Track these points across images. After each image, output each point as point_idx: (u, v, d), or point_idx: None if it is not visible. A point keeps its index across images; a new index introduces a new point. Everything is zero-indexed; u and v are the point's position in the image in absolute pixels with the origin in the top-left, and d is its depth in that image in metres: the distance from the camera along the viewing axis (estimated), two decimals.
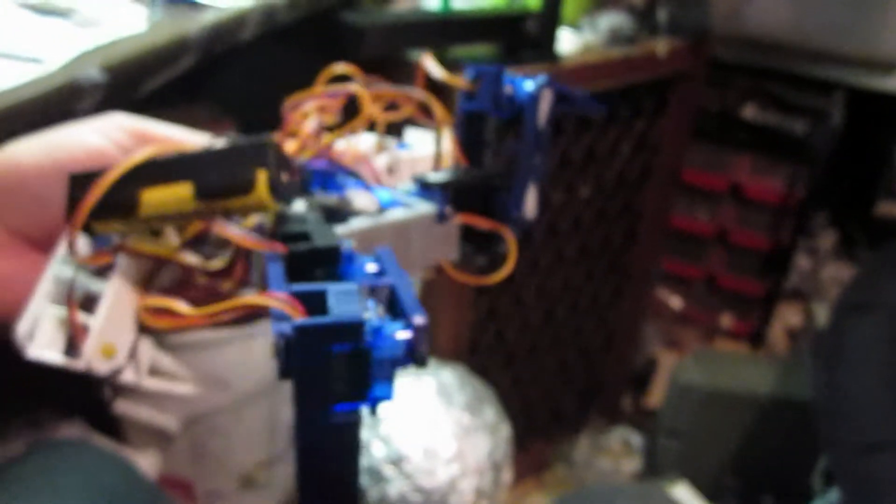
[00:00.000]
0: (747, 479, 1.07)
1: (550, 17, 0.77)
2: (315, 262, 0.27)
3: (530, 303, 1.01)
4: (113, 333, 0.29)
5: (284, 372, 0.22)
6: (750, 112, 1.21)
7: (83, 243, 0.30)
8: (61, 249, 0.30)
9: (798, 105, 1.20)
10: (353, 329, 0.22)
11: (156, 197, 0.27)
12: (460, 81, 0.33)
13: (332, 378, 0.22)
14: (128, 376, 0.30)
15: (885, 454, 0.75)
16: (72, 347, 0.29)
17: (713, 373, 1.05)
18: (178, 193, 0.27)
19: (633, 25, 0.87)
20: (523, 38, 0.76)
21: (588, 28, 0.86)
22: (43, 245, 0.32)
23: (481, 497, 0.77)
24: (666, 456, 1.09)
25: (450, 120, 0.33)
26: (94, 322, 0.28)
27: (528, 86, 0.32)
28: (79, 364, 0.28)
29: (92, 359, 0.28)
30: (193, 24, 0.58)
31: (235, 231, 0.28)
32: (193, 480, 0.88)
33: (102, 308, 0.29)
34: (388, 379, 0.23)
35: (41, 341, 0.28)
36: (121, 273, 0.29)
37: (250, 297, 0.25)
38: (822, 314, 1.31)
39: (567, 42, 0.83)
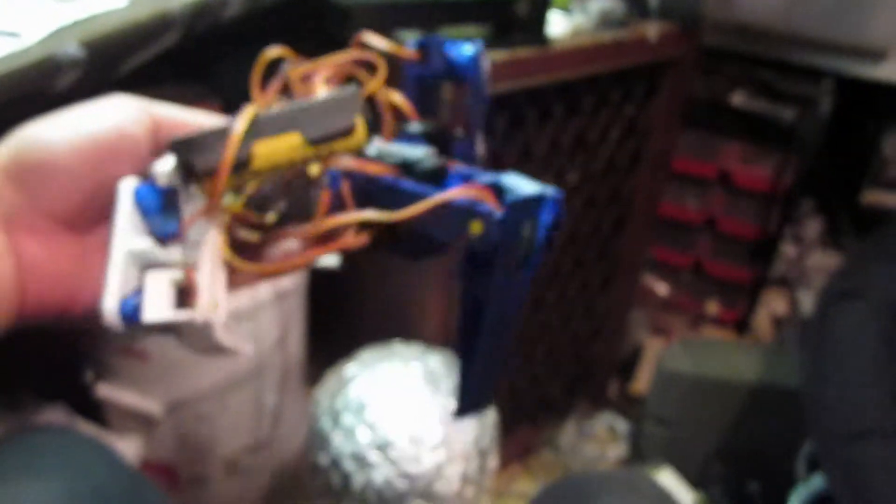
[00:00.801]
0: (732, 466, 1.07)
1: (541, 0, 0.76)
2: (429, 180, 0.32)
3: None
4: (215, 289, 0.31)
5: (490, 248, 0.28)
6: (739, 99, 1.21)
7: (133, 210, 0.31)
8: (124, 221, 0.31)
9: (787, 92, 1.20)
10: (541, 200, 0.28)
11: (267, 149, 0.30)
12: (406, 51, 0.37)
13: (522, 245, 0.28)
14: (221, 333, 0.31)
15: (871, 442, 0.75)
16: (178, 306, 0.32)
17: (699, 360, 1.06)
18: (289, 143, 0.30)
19: (623, 9, 0.86)
20: (513, 21, 0.75)
21: (579, 11, 0.86)
22: (74, 226, 0.32)
23: (467, 483, 0.76)
24: (652, 442, 1.09)
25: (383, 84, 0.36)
26: (202, 277, 0.31)
27: (469, 50, 0.37)
28: (197, 317, 0.30)
29: (207, 312, 0.30)
30: (154, 6, 0.56)
31: (354, 162, 0.33)
32: (178, 466, 0.87)
33: (206, 264, 0.31)
34: (547, 245, 0.29)
35: (152, 305, 0.31)
36: (215, 230, 0.32)
37: (450, 191, 0.29)
38: (807, 302, 1.31)
39: (557, 25, 0.82)
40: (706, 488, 1.06)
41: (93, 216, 0.32)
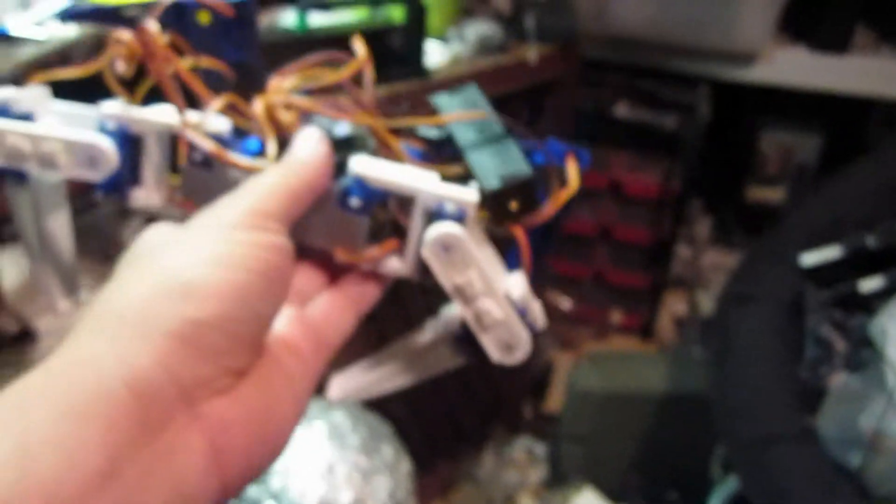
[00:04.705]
0: (651, 476, 1.07)
1: (416, 30, 0.73)
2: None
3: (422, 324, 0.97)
4: None
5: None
6: (622, 110, 1.23)
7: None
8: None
9: (667, 100, 1.22)
10: None
11: None
12: None
13: None
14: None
15: (779, 446, 0.76)
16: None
17: (607, 375, 1.05)
18: None
19: (501, 34, 0.85)
20: (390, 54, 0.72)
21: (456, 39, 0.83)
22: (245, 371, 0.28)
23: None
24: (570, 461, 1.08)
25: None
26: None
27: None
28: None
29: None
30: (6, 62, 0.50)
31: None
32: None
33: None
34: None
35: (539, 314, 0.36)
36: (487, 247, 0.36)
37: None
38: (704, 301, 1.34)
39: (435, 55, 0.80)
40: (627, 502, 1.06)
41: (258, 349, 0.29)
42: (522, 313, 0.34)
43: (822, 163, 1.34)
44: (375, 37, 0.72)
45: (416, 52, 0.74)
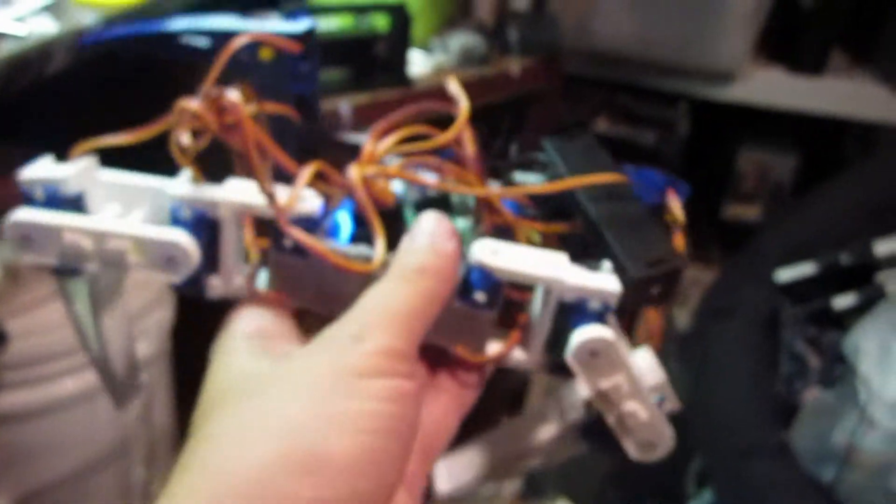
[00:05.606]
0: (626, 489, 1.07)
1: (400, 39, 0.74)
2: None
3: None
4: None
5: None
6: (602, 125, 1.24)
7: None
8: None
9: (646, 117, 1.23)
10: None
11: None
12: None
13: None
14: None
15: (757, 459, 0.76)
16: None
17: None
18: None
19: (484, 46, 0.85)
20: (373, 62, 0.72)
21: (439, 49, 0.84)
22: None
23: None
24: (545, 474, 1.08)
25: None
26: None
27: None
28: None
29: None
30: None
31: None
32: None
33: None
34: None
35: None
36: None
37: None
38: (681, 316, 1.35)
39: (418, 64, 0.80)
40: None
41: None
42: (660, 401, 0.32)
43: (797, 181, 1.36)
44: (360, 45, 0.72)
45: (400, 60, 0.74)
